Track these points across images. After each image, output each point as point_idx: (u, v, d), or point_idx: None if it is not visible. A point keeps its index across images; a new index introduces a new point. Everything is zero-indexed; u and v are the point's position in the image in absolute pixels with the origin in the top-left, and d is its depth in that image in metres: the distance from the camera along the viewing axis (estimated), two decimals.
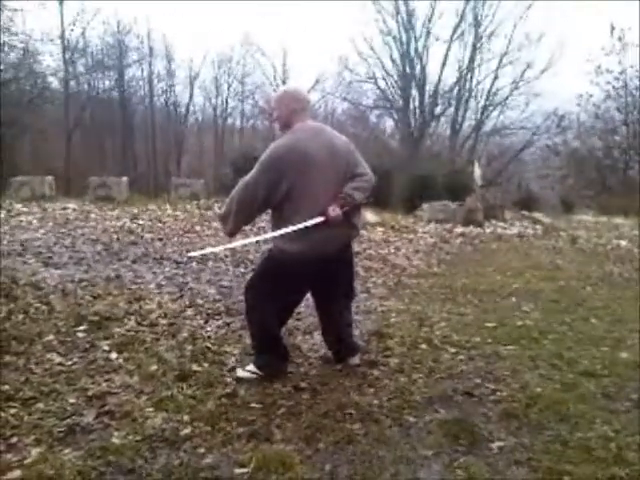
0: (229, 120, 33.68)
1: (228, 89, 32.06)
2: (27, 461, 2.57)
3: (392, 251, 8.55)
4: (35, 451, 2.65)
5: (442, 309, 5.36)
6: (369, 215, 11.28)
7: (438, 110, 30.07)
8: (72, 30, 26.09)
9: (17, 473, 2.48)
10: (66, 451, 2.66)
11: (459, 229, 11.71)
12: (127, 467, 2.56)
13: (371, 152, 22.36)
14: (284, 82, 30.51)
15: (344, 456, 2.69)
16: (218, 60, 31.28)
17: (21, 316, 4.44)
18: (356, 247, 8.48)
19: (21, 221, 9.16)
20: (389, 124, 32.28)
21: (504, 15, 28.59)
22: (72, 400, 3.15)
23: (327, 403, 3.19)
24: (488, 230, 12.03)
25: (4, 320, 4.29)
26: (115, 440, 2.77)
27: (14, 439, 2.75)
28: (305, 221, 3.28)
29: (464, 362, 3.93)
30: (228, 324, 4.62)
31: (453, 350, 4.15)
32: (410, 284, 6.50)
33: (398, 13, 28.57)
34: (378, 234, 9.96)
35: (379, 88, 30.16)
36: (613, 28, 24.50)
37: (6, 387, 3.23)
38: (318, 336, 4.33)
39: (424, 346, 4.21)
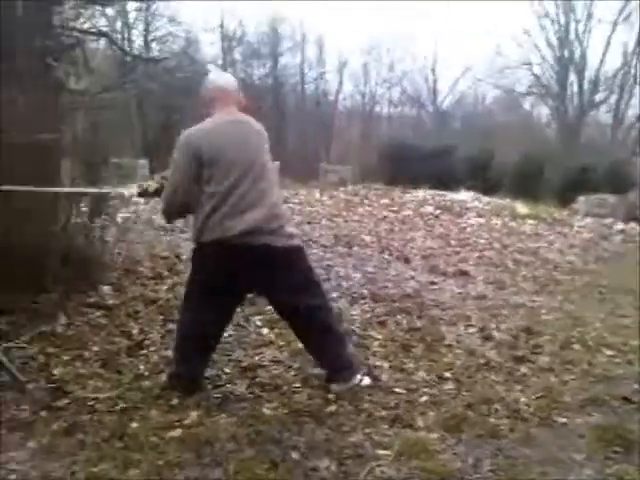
0: (377, 107, 33.73)
1: (376, 76, 32.09)
2: (186, 422, 2.78)
3: (544, 245, 8.19)
4: (194, 414, 2.85)
5: (598, 309, 5.06)
6: (519, 207, 10.88)
7: (598, 97, 28.14)
8: (231, 19, 27.38)
9: (178, 432, 2.69)
10: (221, 416, 2.84)
11: (619, 225, 10.95)
12: (275, 437, 2.68)
13: (523, 141, 21.43)
14: (433, 70, 30.07)
15: (488, 450, 2.65)
16: (368, 47, 31.34)
17: (183, 288, 4.77)
18: (505, 240, 8.24)
19: None
20: (544, 112, 30.72)
21: None
22: (227, 370, 3.37)
23: (472, 395, 3.15)
24: None
25: (168, 291, 4.65)
26: (265, 411, 2.92)
27: (176, 401, 2.98)
28: None
29: (621, 366, 3.70)
30: (372, 309, 4.68)
31: (609, 352, 3.91)
32: (563, 280, 6.20)
33: None
34: (529, 227, 9.57)
35: (534, 74, 28.75)
36: None
37: (169, 352, 3.51)
38: (462, 327, 4.29)
39: (577, 346, 4.01)
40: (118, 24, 19.81)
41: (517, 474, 2.47)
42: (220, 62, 27.69)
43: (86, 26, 5.44)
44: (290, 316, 3.26)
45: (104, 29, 5.81)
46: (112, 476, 2.36)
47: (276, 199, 3.13)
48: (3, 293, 3.79)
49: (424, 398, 3.12)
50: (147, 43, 23.86)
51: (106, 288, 4.53)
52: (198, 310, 3.12)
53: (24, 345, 3.43)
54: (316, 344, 3.23)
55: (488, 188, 14.04)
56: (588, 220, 11.33)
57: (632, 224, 11.15)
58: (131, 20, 22.48)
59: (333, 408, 2.97)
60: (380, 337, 4.03)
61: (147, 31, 23.96)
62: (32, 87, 4.22)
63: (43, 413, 2.82)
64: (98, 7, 5.82)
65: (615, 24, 26.74)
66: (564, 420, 2.93)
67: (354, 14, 40.90)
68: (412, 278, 5.78)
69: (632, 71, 27.39)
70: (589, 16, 26.95)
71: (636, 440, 2.73)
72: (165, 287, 4.80)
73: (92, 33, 5.50)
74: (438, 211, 10.06)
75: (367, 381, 3.22)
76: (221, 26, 27.27)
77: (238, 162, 3.02)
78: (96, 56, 5.50)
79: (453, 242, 7.79)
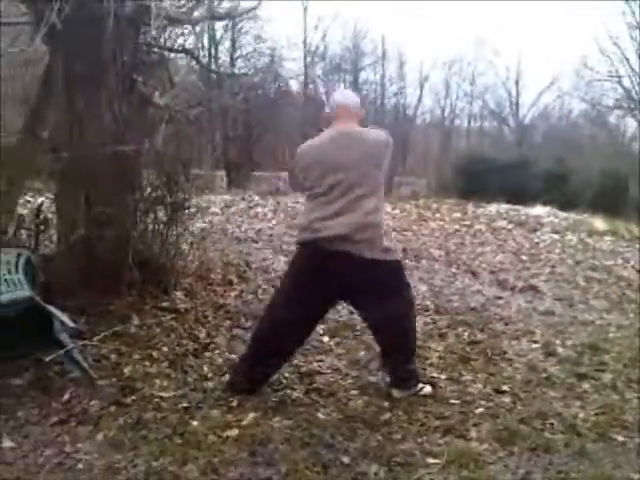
0: (456, 121, 33.36)
1: (457, 90, 31.75)
2: (243, 423, 2.90)
3: (619, 262, 7.89)
4: (251, 415, 2.97)
5: None
6: (597, 223, 10.52)
7: None
8: (313, 36, 27.81)
9: (235, 432, 2.81)
10: (276, 419, 2.95)
11: None
12: (328, 441, 2.76)
13: (607, 155, 20.66)
14: (517, 83, 29.51)
15: (540, 464, 2.64)
16: (449, 61, 31.08)
17: (250, 295, 4.97)
18: (578, 256, 8.00)
19: (257, 212, 10.05)
20: (631, 125, 29.48)
21: None
22: (286, 375, 3.47)
23: (527, 409, 3.14)
24: None
25: (236, 298, 4.84)
26: (320, 415, 3.01)
27: (235, 402, 3.11)
28: None
29: None
30: (435, 321, 4.70)
31: None
32: (636, 298, 5.98)
33: None
34: (605, 243, 9.25)
35: (623, 87, 27.68)
36: None
37: (233, 356, 3.67)
38: (526, 342, 4.25)
39: None
40: (205, 42, 20.61)
41: None
42: (302, 78, 28.16)
43: (173, 44, 5.73)
44: (371, 326, 3.37)
45: (190, 47, 6.04)
46: (170, 470, 2.49)
47: (372, 208, 3.06)
48: (83, 295, 4.07)
49: (479, 410, 3.12)
50: (233, 60, 24.63)
51: (178, 293, 4.75)
52: (286, 309, 3.16)
53: (98, 344, 3.65)
54: (389, 354, 3.30)
55: (566, 203, 13.60)
56: None
57: None
58: (218, 38, 23.36)
59: (387, 416, 3.03)
60: (440, 349, 4.04)
61: (233, 48, 24.76)
62: (118, 102, 4.50)
63: (111, 408, 3.00)
64: (186, 26, 6.11)
65: None
66: (622, 438, 2.87)
67: (436, 28, 40.76)
68: (478, 292, 5.74)
69: None
70: None
71: None
72: (234, 294, 4.99)
73: (177, 50, 5.77)
74: (511, 226, 9.86)
75: (428, 389, 3.28)
76: (304, 42, 27.74)
77: (335, 168, 3.07)
78: (180, 71, 5.76)
79: (524, 257, 7.64)
